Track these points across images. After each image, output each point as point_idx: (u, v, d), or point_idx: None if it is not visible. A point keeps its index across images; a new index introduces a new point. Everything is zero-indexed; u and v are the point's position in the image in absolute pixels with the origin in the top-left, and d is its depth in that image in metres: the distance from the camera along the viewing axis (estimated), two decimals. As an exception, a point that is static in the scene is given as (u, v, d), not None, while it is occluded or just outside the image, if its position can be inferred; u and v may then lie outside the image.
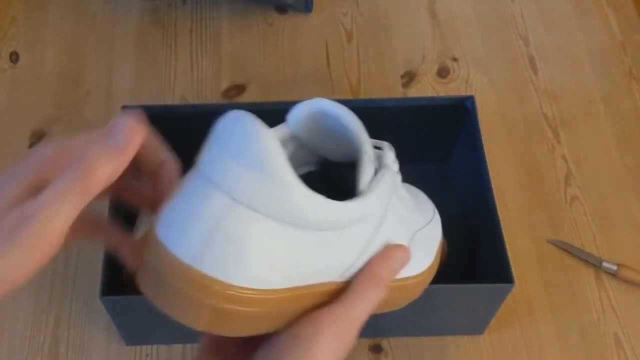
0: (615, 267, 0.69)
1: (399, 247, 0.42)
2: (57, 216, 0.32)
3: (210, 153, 0.34)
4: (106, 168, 0.33)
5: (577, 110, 0.81)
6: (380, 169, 0.41)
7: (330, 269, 0.38)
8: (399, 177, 0.44)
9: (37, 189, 0.33)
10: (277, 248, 0.34)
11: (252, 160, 0.32)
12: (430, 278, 0.49)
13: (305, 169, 0.44)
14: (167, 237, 0.34)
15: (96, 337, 0.67)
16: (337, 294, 0.40)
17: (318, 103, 0.40)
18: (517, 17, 0.88)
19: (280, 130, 0.40)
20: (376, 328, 0.65)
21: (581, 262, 0.71)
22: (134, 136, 0.34)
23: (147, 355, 0.66)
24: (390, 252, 0.42)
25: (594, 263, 0.70)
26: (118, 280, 0.61)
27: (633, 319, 0.68)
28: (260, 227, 0.33)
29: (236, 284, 0.34)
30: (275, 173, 0.32)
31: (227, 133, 0.33)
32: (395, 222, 0.42)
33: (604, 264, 0.69)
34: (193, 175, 0.35)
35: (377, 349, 0.67)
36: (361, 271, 0.41)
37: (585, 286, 0.70)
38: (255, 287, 0.34)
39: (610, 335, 0.67)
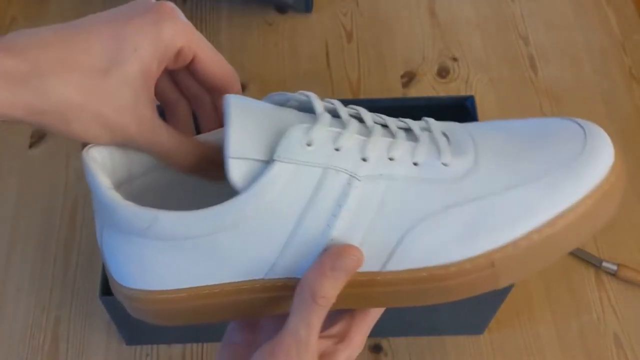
0: (615, 267, 0.69)
1: (341, 250, 0.36)
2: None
3: None
4: None
5: (577, 110, 0.81)
6: (272, 163, 0.36)
7: (237, 269, 0.38)
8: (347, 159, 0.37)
9: None
10: (149, 257, 0.38)
11: (97, 198, 0.39)
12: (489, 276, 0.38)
13: None
14: None
15: (96, 337, 0.67)
16: (271, 291, 0.39)
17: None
18: (517, 17, 0.88)
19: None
20: (376, 328, 0.64)
21: (581, 262, 0.71)
22: None
23: (147, 355, 0.66)
24: (327, 260, 0.36)
25: (594, 263, 0.70)
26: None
27: (633, 319, 0.68)
28: (122, 242, 0.39)
29: (131, 287, 0.39)
30: (107, 203, 0.38)
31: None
32: (350, 214, 0.36)
33: (604, 264, 0.69)
34: None
35: (377, 348, 0.67)
36: (299, 285, 0.37)
37: (585, 286, 0.70)
38: (150, 289, 0.39)
39: (610, 335, 0.67)
